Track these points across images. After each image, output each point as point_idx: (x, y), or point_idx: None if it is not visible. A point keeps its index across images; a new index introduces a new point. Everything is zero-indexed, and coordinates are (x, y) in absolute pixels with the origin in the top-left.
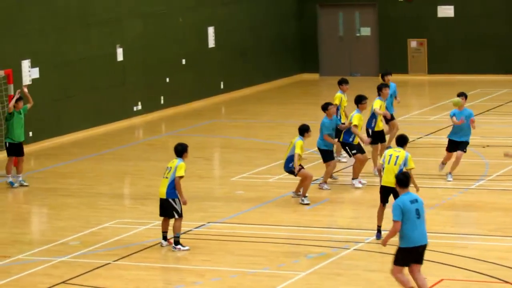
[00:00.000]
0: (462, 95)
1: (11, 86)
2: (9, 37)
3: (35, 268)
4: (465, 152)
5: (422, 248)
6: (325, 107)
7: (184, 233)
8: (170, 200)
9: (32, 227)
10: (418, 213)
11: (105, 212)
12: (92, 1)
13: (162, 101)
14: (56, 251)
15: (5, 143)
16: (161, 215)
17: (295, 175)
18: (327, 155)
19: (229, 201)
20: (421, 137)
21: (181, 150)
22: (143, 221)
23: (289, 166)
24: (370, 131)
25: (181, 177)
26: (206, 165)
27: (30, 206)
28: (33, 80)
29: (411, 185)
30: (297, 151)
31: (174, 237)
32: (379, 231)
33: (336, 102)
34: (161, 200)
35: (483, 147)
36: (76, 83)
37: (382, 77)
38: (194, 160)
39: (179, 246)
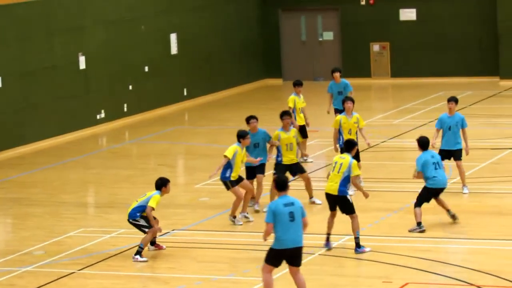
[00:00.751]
0: (453, 100)
1: None
2: None
3: None
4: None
5: (295, 250)
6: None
7: None
8: (132, 221)
9: None
10: (292, 216)
11: (69, 221)
12: (54, 10)
13: (125, 109)
14: (20, 261)
15: None
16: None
17: (227, 189)
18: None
19: (193, 208)
20: (384, 141)
21: (160, 184)
22: (108, 229)
23: (226, 176)
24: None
25: (153, 208)
26: (170, 172)
27: None
28: None
29: (354, 188)
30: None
31: (139, 247)
32: (327, 239)
33: (290, 105)
34: (128, 221)
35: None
36: (38, 92)
37: (331, 73)
38: (158, 167)
39: (137, 256)
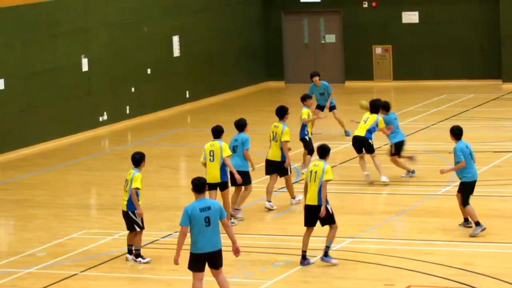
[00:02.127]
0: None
1: None
2: None
3: (2, 280)
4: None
5: (212, 254)
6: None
7: (150, 242)
8: (130, 213)
9: None
10: (208, 221)
11: (72, 222)
12: (58, 11)
13: (127, 111)
14: (23, 262)
15: None
16: (127, 228)
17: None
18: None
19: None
20: (387, 144)
21: (138, 159)
22: (110, 231)
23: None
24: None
25: (137, 188)
26: (172, 175)
27: None
28: None
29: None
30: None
31: (135, 250)
32: (303, 256)
33: (305, 116)
34: (123, 213)
35: (449, 152)
36: (41, 93)
37: (310, 78)
38: (160, 169)
39: (139, 259)
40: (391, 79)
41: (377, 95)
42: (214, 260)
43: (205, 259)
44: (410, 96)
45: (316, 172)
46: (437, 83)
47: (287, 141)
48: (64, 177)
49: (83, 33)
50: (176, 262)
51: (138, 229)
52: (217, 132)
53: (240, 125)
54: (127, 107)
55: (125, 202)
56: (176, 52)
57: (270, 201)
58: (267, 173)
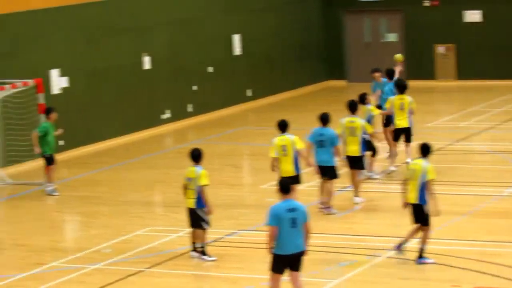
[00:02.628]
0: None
1: (41, 95)
2: (38, 47)
3: (69, 276)
4: None
5: (295, 256)
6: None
7: (215, 240)
8: (198, 211)
9: (66, 235)
10: (294, 222)
11: (136, 220)
12: (120, 10)
13: (190, 109)
14: (89, 258)
15: (46, 154)
16: (191, 226)
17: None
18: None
19: (259, 208)
20: (451, 144)
21: (198, 155)
22: (175, 228)
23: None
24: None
25: (206, 185)
26: (236, 173)
27: (63, 214)
28: (63, 89)
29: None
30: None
31: (200, 247)
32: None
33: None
34: (190, 210)
35: None
36: (105, 91)
37: (371, 73)
38: (223, 167)
39: (205, 257)
40: (454, 79)
41: (439, 95)
42: (295, 262)
43: (287, 261)
44: (473, 96)
45: (415, 171)
46: (501, 83)
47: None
48: (128, 175)
49: (145, 32)
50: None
51: (205, 227)
52: (284, 126)
53: (325, 119)
54: (189, 105)
55: (193, 200)
56: (237, 51)
57: (358, 196)
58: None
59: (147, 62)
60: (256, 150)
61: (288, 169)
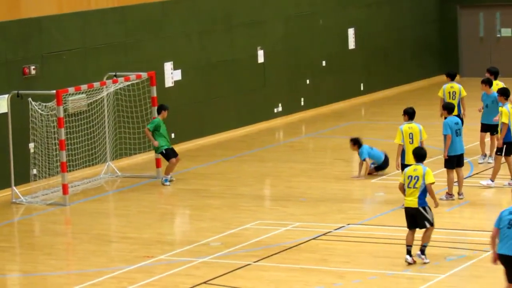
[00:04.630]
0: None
1: (154, 88)
2: (153, 40)
3: (177, 269)
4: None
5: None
6: None
7: (323, 234)
8: (421, 209)
9: (175, 227)
10: (511, 224)
11: (246, 213)
12: (235, 3)
13: (302, 103)
14: (198, 251)
15: (163, 149)
16: (410, 227)
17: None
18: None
19: (369, 203)
20: None
21: (424, 155)
22: (284, 222)
23: None
24: None
25: (432, 183)
26: (346, 167)
27: (173, 207)
28: (176, 82)
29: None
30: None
31: (422, 246)
32: (408, 252)
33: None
34: (411, 210)
35: None
36: (218, 85)
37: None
38: (334, 161)
39: (423, 256)
40: None
41: None
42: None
43: (504, 261)
44: None
45: (416, 178)
46: None
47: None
48: (239, 168)
49: (260, 25)
50: (493, 261)
51: (428, 226)
52: (413, 114)
53: (451, 108)
54: (302, 99)
55: (415, 199)
56: (351, 45)
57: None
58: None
59: (261, 56)
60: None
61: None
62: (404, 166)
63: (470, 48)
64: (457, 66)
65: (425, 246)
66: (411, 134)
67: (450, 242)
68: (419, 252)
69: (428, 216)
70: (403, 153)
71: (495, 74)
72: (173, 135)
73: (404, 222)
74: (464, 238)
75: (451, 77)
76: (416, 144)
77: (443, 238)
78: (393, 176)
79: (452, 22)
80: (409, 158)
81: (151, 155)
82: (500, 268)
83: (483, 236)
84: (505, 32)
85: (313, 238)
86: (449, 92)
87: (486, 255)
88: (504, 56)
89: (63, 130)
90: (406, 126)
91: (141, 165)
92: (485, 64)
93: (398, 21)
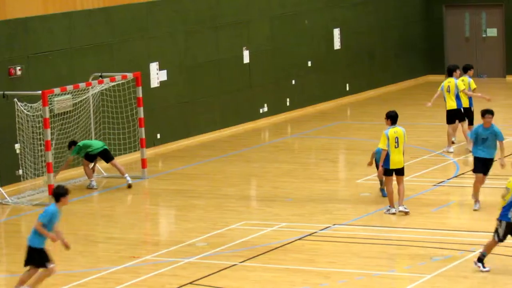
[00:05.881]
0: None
1: (140, 89)
2: (139, 41)
3: (163, 269)
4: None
5: None
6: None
7: (309, 235)
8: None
9: (160, 228)
10: None
11: (232, 213)
12: (221, 4)
13: (288, 103)
14: (184, 252)
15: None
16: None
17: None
18: None
19: (354, 203)
20: None
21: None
22: (270, 222)
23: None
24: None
25: None
26: (331, 167)
27: (158, 207)
28: (161, 82)
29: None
30: None
31: (480, 253)
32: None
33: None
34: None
35: None
36: (203, 85)
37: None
38: (319, 162)
39: (479, 264)
40: None
41: None
42: None
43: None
44: None
45: (397, 138)
46: None
47: None
48: (224, 168)
49: (245, 26)
50: None
51: (496, 239)
52: (396, 118)
53: (392, 116)
54: (288, 99)
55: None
56: (337, 45)
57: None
58: None
59: (246, 56)
60: (353, 145)
61: (399, 160)
62: (387, 171)
63: (455, 48)
64: (442, 66)
65: (483, 255)
66: (396, 138)
67: (436, 242)
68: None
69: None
70: (387, 158)
71: (449, 71)
72: (158, 136)
73: (391, 222)
74: (450, 238)
75: (448, 72)
76: (401, 147)
77: (429, 238)
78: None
79: (438, 22)
80: (394, 162)
81: (136, 155)
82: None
83: (469, 237)
84: (491, 32)
85: (299, 239)
86: (448, 86)
87: (472, 256)
88: (489, 56)
89: (49, 131)
90: (392, 131)
91: (126, 166)
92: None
93: (384, 21)
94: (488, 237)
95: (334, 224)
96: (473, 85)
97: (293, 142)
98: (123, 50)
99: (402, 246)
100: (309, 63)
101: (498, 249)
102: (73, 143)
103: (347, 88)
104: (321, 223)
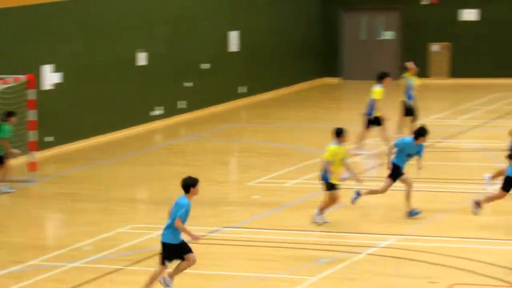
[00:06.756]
0: None
1: (33, 91)
2: (32, 42)
3: (47, 274)
4: None
5: None
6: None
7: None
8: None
9: (47, 232)
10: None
11: (119, 217)
12: (116, 7)
13: (183, 105)
14: (69, 256)
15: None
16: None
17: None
18: None
19: (245, 205)
20: (439, 141)
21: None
22: (157, 226)
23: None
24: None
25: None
26: (224, 170)
27: (46, 211)
28: (56, 84)
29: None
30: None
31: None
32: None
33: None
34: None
35: (502, 151)
36: (97, 88)
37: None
38: (212, 164)
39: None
40: (447, 77)
41: (432, 93)
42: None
43: None
44: (466, 94)
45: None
46: (495, 81)
47: None
48: (115, 171)
49: (141, 29)
50: None
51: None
52: (343, 134)
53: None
54: (182, 102)
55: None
56: (233, 47)
57: None
58: None
59: (142, 59)
60: (247, 147)
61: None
62: (330, 185)
63: (351, 51)
64: (338, 68)
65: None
66: (340, 155)
67: (323, 244)
68: None
69: None
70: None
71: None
72: (51, 138)
73: (279, 225)
74: (336, 240)
75: (377, 79)
76: (342, 163)
77: (316, 240)
78: (270, 179)
79: (335, 24)
80: (337, 177)
81: (24, 159)
82: (371, 270)
83: (356, 238)
84: (387, 35)
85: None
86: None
87: (358, 258)
88: (384, 59)
89: None
90: (337, 147)
91: (14, 169)
92: (366, 66)
93: (281, 23)
94: (374, 238)
95: (223, 227)
96: (377, 96)
97: (186, 144)
98: (17, 52)
99: (290, 249)
100: (206, 66)
101: (391, 251)
102: None
103: (244, 91)
104: (210, 226)
